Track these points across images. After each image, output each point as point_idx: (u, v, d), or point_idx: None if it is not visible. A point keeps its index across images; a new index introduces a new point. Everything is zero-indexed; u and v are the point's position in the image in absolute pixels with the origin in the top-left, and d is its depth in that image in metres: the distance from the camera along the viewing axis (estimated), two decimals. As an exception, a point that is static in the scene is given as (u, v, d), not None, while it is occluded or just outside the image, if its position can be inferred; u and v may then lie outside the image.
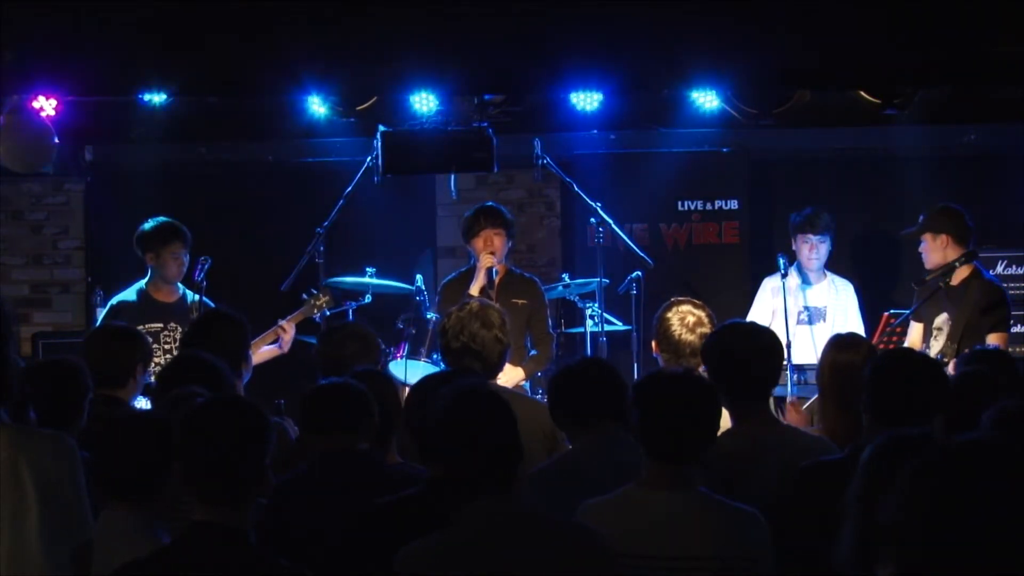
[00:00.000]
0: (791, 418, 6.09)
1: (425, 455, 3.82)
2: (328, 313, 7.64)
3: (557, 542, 3.39)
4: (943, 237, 7.42)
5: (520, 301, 7.47)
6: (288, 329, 7.28)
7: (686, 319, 5.46)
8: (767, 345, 4.66)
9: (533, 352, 7.54)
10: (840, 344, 4.89)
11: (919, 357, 4.34)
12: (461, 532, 3.38)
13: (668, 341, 5.46)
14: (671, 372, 4.08)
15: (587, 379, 4.52)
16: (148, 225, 7.56)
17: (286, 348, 7.30)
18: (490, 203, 7.89)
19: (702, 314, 5.49)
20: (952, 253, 7.38)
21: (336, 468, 4.22)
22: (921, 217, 7.55)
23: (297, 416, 4.45)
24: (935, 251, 7.43)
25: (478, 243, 7.55)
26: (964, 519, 2.00)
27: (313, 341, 7.39)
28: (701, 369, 5.15)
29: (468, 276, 7.59)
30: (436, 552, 3.37)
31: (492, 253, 7.49)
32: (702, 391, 3.90)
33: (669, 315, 5.51)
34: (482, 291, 7.26)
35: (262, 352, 7.08)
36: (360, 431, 4.27)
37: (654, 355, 5.61)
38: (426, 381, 4.07)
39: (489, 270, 7.41)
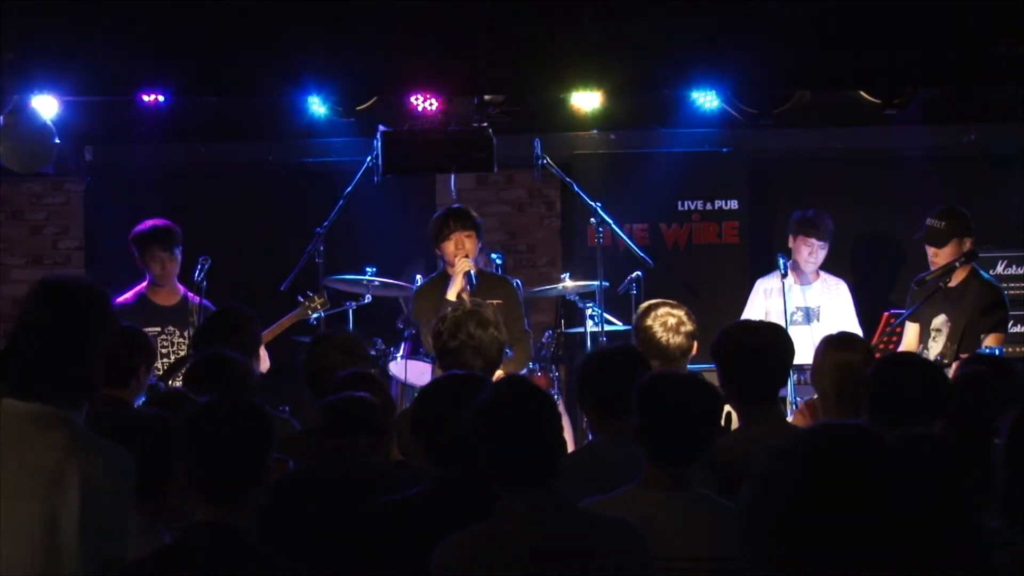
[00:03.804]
0: (798, 421, 6.05)
1: (438, 456, 3.82)
2: (323, 315, 7.62)
3: (597, 535, 3.41)
4: (966, 240, 7.37)
5: (496, 302, 7.40)
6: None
7: (667, 322, 5.38)
8: (779, 342, 4.65)
9: (510, 353, 7.43)
10: (837, 343, 4.87)
11: (920, 360, 4.35)
12: (503, 525, 3.40)
13: (655, 347, 5.36)
14: (673, 375, 4.07)
15: (619, 368, 4.47)
16: (138, 227, 7.57)
17: (262, 367, 6.99)
18: (457, 205, 7.82)
19: (681, 313, 5.42)
20: (955, 253, 7.35)
21: (337, 469, 4.22)
22: (928, 220, 7.45)
23: (318, 417, 4.44)
24: (950, 255, 7.35)
25: (448, 247, 7.36)
26: (818, 508, 1.95)
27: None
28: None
29: (441, 281, 7.42)
30: (478, 545, 3.39)
31: (466, 256, 7.36)
32: (704, 395, 3.91)
33: (649, 322, 5.41)
34: (459, 296, 7.15)
35: None
36: (367, 443, 4.28)
37: None
38: (433, 385, 4.06)
39: (468, 274, 7.30)
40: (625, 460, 4.04)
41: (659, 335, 5.36)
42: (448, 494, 3.72)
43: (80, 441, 3.33)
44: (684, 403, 3.78)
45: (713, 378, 4.81)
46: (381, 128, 8.00)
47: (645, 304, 5.56)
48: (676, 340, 5.35)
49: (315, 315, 7.56)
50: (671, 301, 5.53)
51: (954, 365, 6.47)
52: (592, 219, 8.02)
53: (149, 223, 7.58)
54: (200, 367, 4.94)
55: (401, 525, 3.73)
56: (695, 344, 5.39)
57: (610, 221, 7.88)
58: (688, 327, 5.38)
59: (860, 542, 1.92)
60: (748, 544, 1.98)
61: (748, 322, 5.01)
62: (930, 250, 7.40)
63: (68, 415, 3.34)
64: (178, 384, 7.03)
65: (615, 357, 4.65)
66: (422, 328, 7.28)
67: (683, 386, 3.88)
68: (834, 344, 4.87)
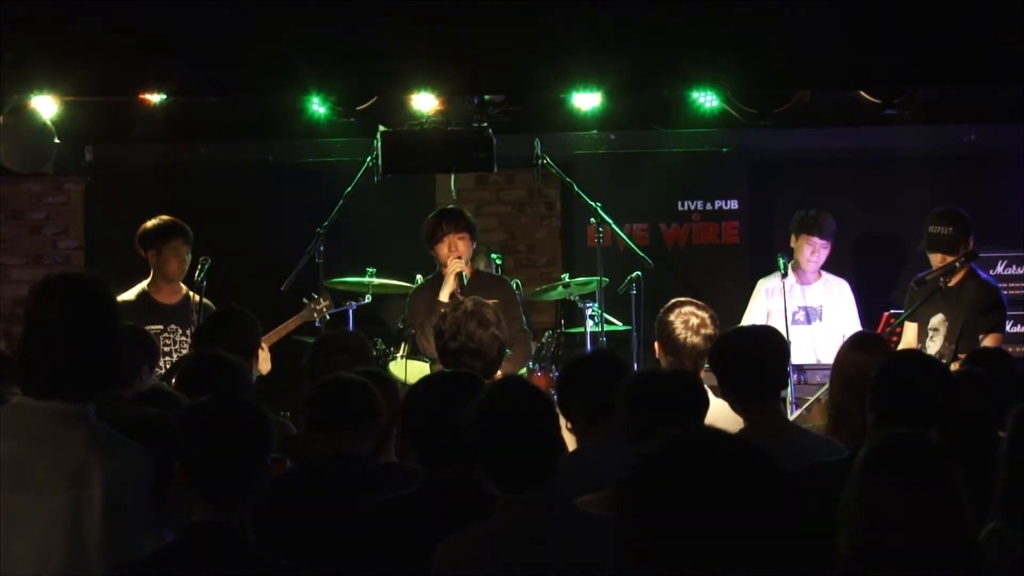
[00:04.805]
0: (815, 419, 6.04)
1: (429, 456, 3.82)
2: (328, 318, 7.62)
3: (596, 535, 3.41)
4: (969, 240, 7.35)
5: (491, 302, 7.37)
6: (262, 349, 7.09)
7: (689, 321, 5.40)
8: (773, 345, 4.66)
9: (507, 352, 7.41)
10: (858, 342, 4.88)
11: (926, 359, 4.34)
12: (502, 525, 3.40)
13: (672, 344, 5.39)
14: (660, 371, 4.09)
15: (601, 372, 4.47)
16: (151, 222, 7.56)
17: (263, 368, 7.06)
18: (450, 206, 7.80)
19: (705, 316, 5.44)
20: (955, 253, 7.34)
21: (332, 471, 4.21)
22: (930, 228, 7.43)
23: (301, 409, 4.42)
24: (948, 258, 7.34)
25: (442, 249, 7.34)
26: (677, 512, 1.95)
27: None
28: (705, 370, 5.16)
29: (435, 283, 7.41)
30: (477, 545, 3.39)
31: (458, 257, 7.32)
32: (690, 391, 3.91)
33: (671, 318, 5.44)
34: (452, 297, 7.11)
35: None
36: (364, 431, 4.27)
37: (657, 357, 5.58)
38: (423, 384, 4.07)
39: (459, 275, 7.27)
40: (615, 464, 4.04)
41: (678, 332, 5.37)
42: (439, 494, 3.72)
43: (101, 438, 3.35)
44: (669, 399, 3.80)
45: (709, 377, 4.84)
46: (381, 128, 7.99)
47: (674, 300, 5.57)
48: (693, 340, 5.36)
49: (320, 319, 7.57)
50: (699, 302, 5.54)
51: (954, 366, 6.48)
52: (592, 219, 8.02)
53: (163, 218, 7.57)
54: (195, 368, 4.93)
55: (392, 525, 3.73)
56: None
57: (610, 221, 7.88)
58: (709, 330, 5.38)
59: (704, 545, 1.92)
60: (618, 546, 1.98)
61: (742, 328, 5.04)
62: (936, 256, 7.36)
63: (85, 411, 3.36)
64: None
65: (593, 360, 4.69)
66: (416, 330, 7.28)
67: (668, 382, 3.89)
68: (855, 343, 4.88)
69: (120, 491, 3.28)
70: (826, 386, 5.86)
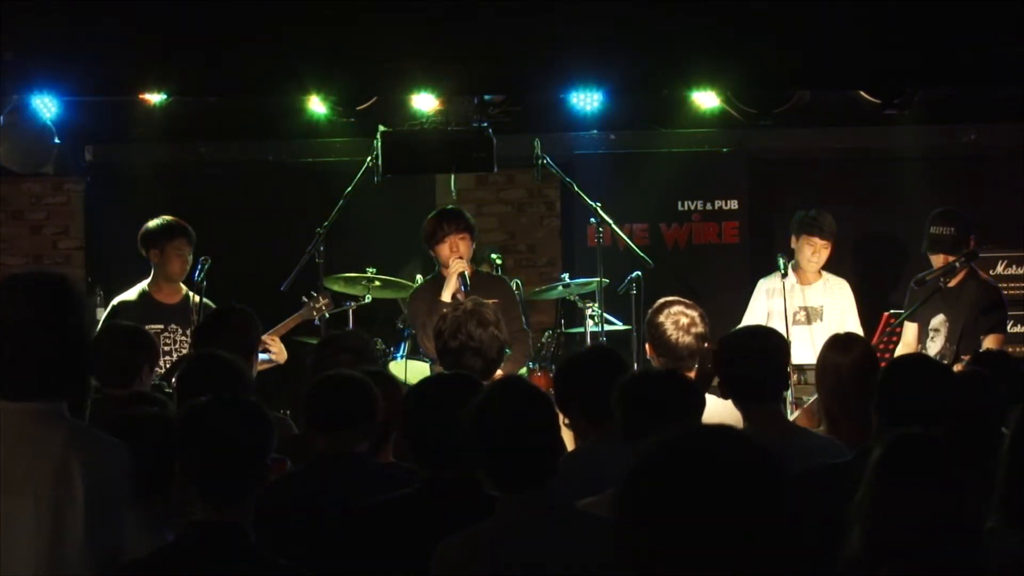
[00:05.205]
0: (800, 422, 6.05)
1: (427, 457, 3.82)
2: (328, 316, 7.63)
3: (596, 535, 3.41)
4: (971, 240, 7.35)
5: (491, 301, 7.37)
6: (273, 342, 7.18)
7: (679, 321, 5.39)
8: (774, 346, 4.66)
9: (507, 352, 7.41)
10: (833, 345, 4.90)
11: (930, 361, 4.36)
12: (502, 525, 3.40)
13: (664, 345, 5.38)
14: (654, 372, 4.08)
15: (600, 369, 4.47)
16: (154, 222, 7.56)
17: (281, 359, 7.21)
18: (450, 207, 7.81)
19: (695, 314, 5.43)
20: (957, 253, 7.34)
21: (331, 471, 4.21)
22: (932, 228, 7.44)
23: (301, 408, 4.42)
24: (950, 259, 7.34)
25: (443, 250, 7.32)
26: (679, 514, 1.92)
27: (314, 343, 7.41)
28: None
29: (436, 283, 7.40)
30: (477, 545, 3.39)
31: (460, 258, 7.31)
32: (683, 391, 3.92)
33: (661, 319, 5.42)
34: (454, 297, 7.10)
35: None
36: (364, 429, 4.27)
37: (648, 358, 5.58)
38: (423, 385, 4.07)
39: (462, 275, 7.28)
40: (625, 460, 4.02)
41: (669, 333, 5.37)
42: (438, 494, 3.72)
43: (80, 435, 3.34)
44: (664, 400, 3.80)
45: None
46: (381, 128, 7.99)
47: (661, 300, 5.55)
48: (685, 340, 5.36)
49: (319, 317, 7.58)
50: (687, 300, 5.53)
51: (956, 367, 6.49)
52: (592, 219, 8.02)
53: (167, 218, 7.58)
54: (195, 367, 4.93)
55: (392, 525, 3.73)
56: (705, 346, 5.39)
57: (610, 221, 7.88)
58: (699, 329, 5.38)
59: (704, 545, 1.90)
60: (616, 547, 1.97)
61: (743, 329, 5.04)
62: (939, 257, 7.36)
63: (60, 409, 3.35)
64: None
65: (591, 356, 4.69)
66: (417, 330, 7.28)
67: (661, 383, 3.89)
68: (830, 345, 4.90)
69: (101, 487, 3.28)
70: (814, 395, 5.89)
